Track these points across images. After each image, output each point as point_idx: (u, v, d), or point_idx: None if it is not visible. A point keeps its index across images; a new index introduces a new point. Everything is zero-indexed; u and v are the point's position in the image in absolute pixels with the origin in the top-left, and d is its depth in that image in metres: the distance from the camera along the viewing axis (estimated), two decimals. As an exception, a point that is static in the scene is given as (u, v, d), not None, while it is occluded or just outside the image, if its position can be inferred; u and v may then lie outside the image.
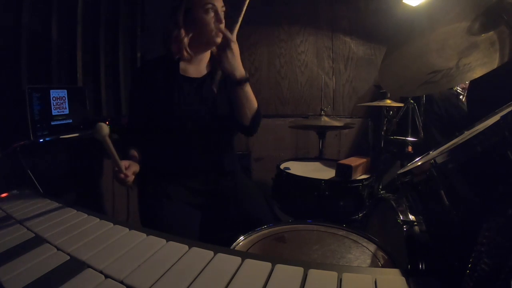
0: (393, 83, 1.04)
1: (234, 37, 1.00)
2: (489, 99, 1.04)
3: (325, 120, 1.84)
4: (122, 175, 0.91)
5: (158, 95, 1.07)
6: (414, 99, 1.81)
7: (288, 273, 0.47)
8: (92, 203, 1.85)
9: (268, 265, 0.49)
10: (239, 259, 0.51)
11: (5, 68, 1.51)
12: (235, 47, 1.00)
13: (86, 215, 0.69)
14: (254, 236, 0.82)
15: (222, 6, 1.05)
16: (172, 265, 0.49)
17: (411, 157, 1.44)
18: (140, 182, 1.13)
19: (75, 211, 0.72)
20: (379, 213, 1.04)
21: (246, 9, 0.99)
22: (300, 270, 0.47)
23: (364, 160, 1.47)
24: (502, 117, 0.42)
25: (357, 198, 1.38)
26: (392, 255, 0.71)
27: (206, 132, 1.11)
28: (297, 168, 1.55)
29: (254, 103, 1.08)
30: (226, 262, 0.50)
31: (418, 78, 0.92)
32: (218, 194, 1.12)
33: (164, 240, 0.57)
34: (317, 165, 1.69)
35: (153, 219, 1.04)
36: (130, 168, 0.94)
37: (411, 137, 1.79)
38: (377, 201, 1.09)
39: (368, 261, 0.70)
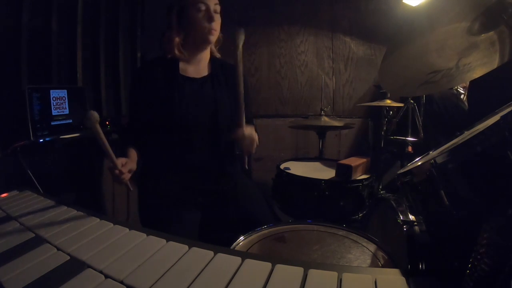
0: (393, 83, 1.03)
1: (243, 130, 1.02)
2: (489, 99, 1.04)
3: (325, 120, 1.83)
4: (117, 171, 0.91)
5: (158, 95, 1.07)
6: (414, 99, 1.81)
7: (288, 273, 0.47)
8: (92, 203, 1.85)
9: (268, 265, 0.49)
10: (239, 259, 0.51)
11: (5, 68, 1.51)
12: (248, 138, 1.03)
13: (86, 215, 0.69)
14: (254, 236, 0.82)
15: (216, 4, 1.06)
16: (172, 265, 0.49)
17: (411, 157, 1.43)
18: (140, 182, 1.13)
19: (75, 211, 0.72)
20: (379, 213, 1.04)
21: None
22: (300, 270, 0.47)
23: (364, 160, 1.47)
24: (502, 117, 0.42)
25: (357, 198, 1.38)
26: (392, 255, 0.71)
27: (206, 132, 1.11)
28: (297, 168, 1.55)
29: None
30: (226, 262, 0.50)
31: (418, 78, 0.91)
32: (218, 194, 1.12)
33: (164, 240, 0.57)
34: (317, 165, 1.69)
35: (153, 219, 1.04)
36: (126, 166, 0.94)
37: (411, 137, 1.79)
38: (377, 201, 1.09)
39: (368, 261, 0.70)
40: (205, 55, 1.16)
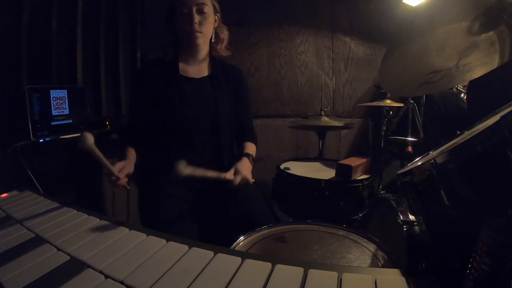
0: (393, 83, 1.03)
1: (229, 174, 1.00)
2: (489, 99, 1.04)
3: (325, 120, 1.83)
4: (113, 178, 0.91)
5: (158, 95, 1.07)
6: (414, 99, 1.81)
7: (288, 273, 0.47)
8: (92, 203, 1.85)
9: (268, 265, 0.49)
10: (239, 259, 0.51)
11: (5, 68, 1.51)
12: (242, 180, 1.01)
13: (86, 215, 0.69)
14: (254, 236, 0.82)
15: (200, 4, 1.04)
16: (172, 265, 0.49)
17: (411, 157, 1.43)
18: (140, 182, 1.13)
19: (75, 211, 0.72)
20: (379, 213, 1.04)
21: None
22: (300, 270, 0.47)
23: (364, 160, 1.47)
24: (502, 117, 0.42)
25: (357, 198, 1.38)
26: (392, 255, 0.71)
27: (206, 132, 1.11)
28: (297, 168, 1.55)
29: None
30: (226, 262, 0.50)
31: (418, 78, 0.91)
32: (218, 194, 1.12)
33: (164, 240, 0.57)
34: (317, 165, 1.69)
35: (153, 219, 1.04)
36: (123, 170, 0.94)
37: (411, 137, 1.79)
38: (377, 201, 1.09)
39: (368, 261, 0.70)
40: (204, 56, 1.16)
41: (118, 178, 0.92)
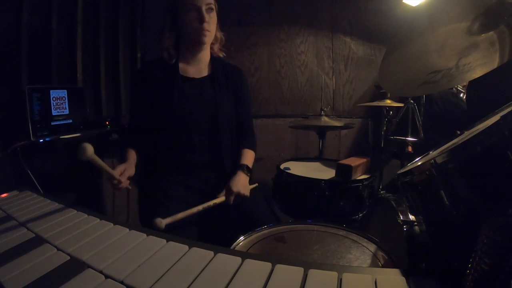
0: (393, 83, 1.03)
1: (221, 197, 1.03)
2: (489, 99, 1.04)
3: (325, 120, 1.83)
4: (115, 181, 0.92)
5: (158, 95, 1.07)
6: (414, 99, 1.81)
7: (288, 273, 0.47)
8: (92, 203, 1.85)
9: (268, 265, 0.49)
10: (239, 259, 0.51)
11: (5, 68, 1.51)
12: (231, 198, 1.02)
13: (86, 215, 0.69)
14: (254, 236, 0.82)
15: (208, 4, 1.05)
16: (172, 265, 0.49)
17: (411, 157, 1.43)
18: (140, 182, 1.13)
19: (75, 211, 0.72)
20: (379, 213, 1.04)
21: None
22: (300, 270, 0.47)
23: (364, 160, 1.47)
24: (502, 117, 0.42)
25: (357, 198, 1.38)
26: (392, 255, 0.71)
27: (206, 132, 1.11)
28: (297, 168, 1.55)
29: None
30: (226, 262, 0.50)
31: (418, 78, 0.91)
32: (218, 194, 1.12)
33: (164, 240, 0.57)
34: (317, 165, 1.69)
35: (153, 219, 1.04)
36: (125, 173, 0.95)
37: (411, 137, 1.79)
38: (377, 201, 1.09)
39: (368, 261, 0.70)
40: (205, 56, 1.16)
41: (120, 182, 0.92)
